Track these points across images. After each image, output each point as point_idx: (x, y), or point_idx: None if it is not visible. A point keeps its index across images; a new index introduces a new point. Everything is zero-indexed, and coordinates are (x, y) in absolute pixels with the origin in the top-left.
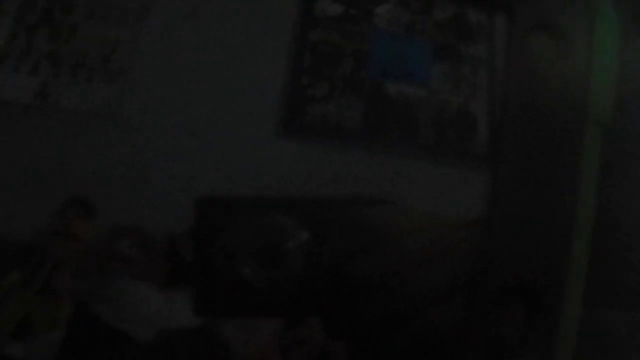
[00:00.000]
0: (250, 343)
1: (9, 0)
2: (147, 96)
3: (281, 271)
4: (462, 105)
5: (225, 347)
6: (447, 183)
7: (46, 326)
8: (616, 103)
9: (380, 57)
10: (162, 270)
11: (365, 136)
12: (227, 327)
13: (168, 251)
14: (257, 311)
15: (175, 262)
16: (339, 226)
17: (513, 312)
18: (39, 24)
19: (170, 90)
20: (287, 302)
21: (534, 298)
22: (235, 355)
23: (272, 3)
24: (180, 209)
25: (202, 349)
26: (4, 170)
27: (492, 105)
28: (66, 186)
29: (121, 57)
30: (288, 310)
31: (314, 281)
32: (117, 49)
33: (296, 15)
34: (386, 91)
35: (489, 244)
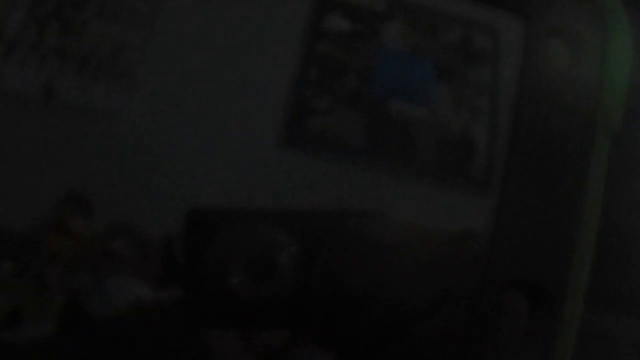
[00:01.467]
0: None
1: None
2: (151, 98)
3: (271, 283)
4: (462, 128)
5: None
6: (443, 204)
7: (36, 318)
8: (626, 111)
9: (384, 75)
10: (157, 272)
11: (364, 152)
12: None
13: (163, 253)
14: (246, 323)
15: (170, 264)
16: (329, 239)
17: (515, 305)
18: (49, 18)
19: (174, 93)
20: (277, 315)
21: (537, 293)
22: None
23: (281, 14)
24: (178, 211)
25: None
26: (3, 162)
27: (493, 131)
28: (65, 182)
29: (128, 58)
30: (279, 323)
31: (305, 294)
32: (124, 49)
33: (304, 27)
34: (388, 109)
35: (495, 238)
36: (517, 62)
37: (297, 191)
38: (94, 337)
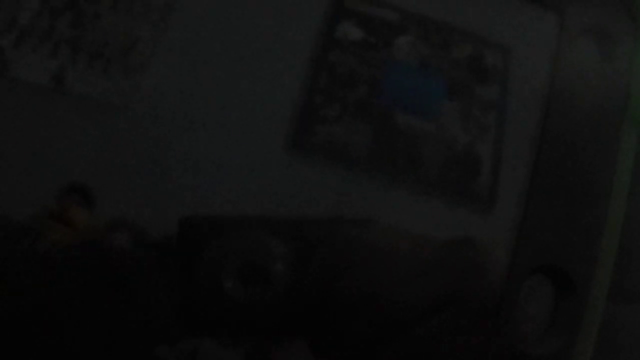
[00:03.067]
0: None
1: None
2: (161, 95)
3: (264, 288)
4: (468, 145)
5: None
6: (445, 219)
7: None
8: None
9: (393, 87)
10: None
11: (370, 162)
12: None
13: (163, 250)
14: (240, 327)
15: (168, 263)
16: (322, 246)
17: (542, 291)
18: (63, 9)
19: (183, 91)
20: (270, 319)
21: (563, 279)
22: None
23: (294, 20)
24: (180, 210)
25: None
26: (10, 149)
27: (498, 149)
28: (69, 172)
29: (140, 52)
30: (272, 328)
31: (298, 300)
32: (137, 44)
33: (317, 34)
34: (395, 121)
35: (524, 224)
36: (526, 81)
37: (301, 197)
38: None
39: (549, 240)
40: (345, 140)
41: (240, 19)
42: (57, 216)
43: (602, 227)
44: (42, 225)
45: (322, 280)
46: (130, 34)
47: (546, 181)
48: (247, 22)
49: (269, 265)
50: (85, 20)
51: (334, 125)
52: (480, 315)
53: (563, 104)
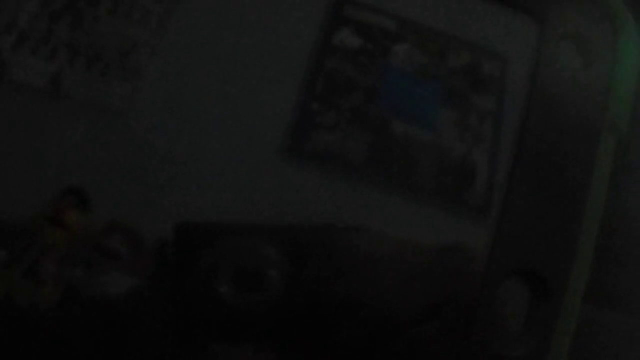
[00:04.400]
0: None
1: None
2: (158, 100)
3: (259, 294)
4: (464, 153)
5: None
6: (440, 227)
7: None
8: (633, 112)
9: (390, 94)
10: (150, 271)
11: (366, 169)
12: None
13: (158, 253)
14: (235, 332)
15: (163, 265)
16: (316, 252)
17: (517, 294)
18: (62, 12)
19: (181, 96)
20: (265, 324)
21: (538, 283)
22: None
23: (292, 26)
24: (175, 214)
25: None
26: (6, 151)
27: (495, 159)
28: (66, 175)
29: (138, 57)
30: (266, 332)
31: (292, 305)
32: (135, 48)
33: (314, 41)
34: (391, 129)
35: (500, 227)
36: (523, 90)
37: (296, 203)
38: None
39: (525, 244)
40: (341, 147)
41: (238, 26)
42: (52, 219)
43: (579, 231)
44: (37, 227)
45: (315, 286)
46: (128, 38)
47: (523, 185)
48: (244, 29)
49: (263, 271)
50: (84, 24)
51: (330, 132)
52: (469, 319)
53: (543, 109)
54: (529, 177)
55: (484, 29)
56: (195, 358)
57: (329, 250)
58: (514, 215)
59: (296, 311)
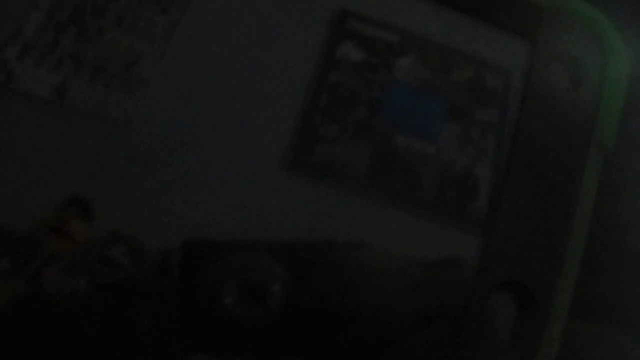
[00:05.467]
0: None
1: None
2: (161, 111)
3: (263, 307)
4: (466, 167)
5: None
6: (441, 241)
7: None
8: (619, 129)
9: (394, 108)
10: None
11: (368, 183)
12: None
13: (160, 265)
14: (238, 343)
15: (165, 277)
16: (317, 267)
17: (504, 306)
18: (68, 22)
19: (185, 108)
20: (268, 335)
21: (525, 295)
22: None
23: (296, 39)
24: (178, 225)
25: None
26: (10, 160)
27: (496, 171)
28: (69, 185)
29: (142, 68)
30: (269, 343)
31: (294, 318)
32: (139, 60)
33: (318, 54)
34: (394, 142)
35: (489, 240)
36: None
37: (298, 216)
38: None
39: (513, 256)
40: (344, 160)
41: (242, 38)
42: (56, 228)
43: (566, 244)
44: (40, 237)
45: (316, 300)
46: (133, 50)
47: (512, 199)
48: (248, 41)
49: (267, 286)
50: (89, 35)
51: (333, 145)
52: (459, 328)
53: (532, 127)
54: (517, 191)
55: (488, 43)
56: None
57: (329, 266)
58: (503, 228)
59: (297, 323)
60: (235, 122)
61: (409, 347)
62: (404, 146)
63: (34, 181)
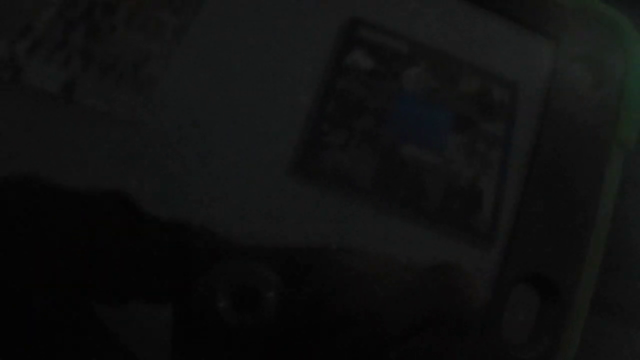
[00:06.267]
0: None
1: None
2: (169, 112)
3: (256, 312)
4: (471, 179)
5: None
6: (445, 251)
7: None
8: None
9: (401, 117)
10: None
11: (373, 191)
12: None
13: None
14: (231, 348)
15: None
16: (313, 273)
17: (527, 299)
18: (79, 19)
19: (192, 110)
20: (261, 340)
21: (548, 289)
22: None
23: (305, 45)
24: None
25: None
26: (16, 155)
27: (501, 184)
28: (75, 183)
29: (152, 68)
30: (263, 348)
31: (287, 324)
32: (149, 60)
33: (327, 61)
34: (401, 152)
35: (514, 234)
36: (532, 117)
37: (303, 222)
38: None
39: (536, 250)
40: (350, 168)
41: (251, 43)
42: None
43: (589, 240)
44: None
45: (310, 306)
46: (142, 49)
47: (536, 195)
48: (257, 46)
49: (260, 292)
50: (99, 33)
51: (339, 153)
52: (458, 334)
53: (555, 126)
54: (541, 188)
55: (497, 51)
56: None
57: (323, 272)
58: (527, 223)
59: (291, 329)
60: (241, 126)
61: (405, 353)
62: (410, 156)
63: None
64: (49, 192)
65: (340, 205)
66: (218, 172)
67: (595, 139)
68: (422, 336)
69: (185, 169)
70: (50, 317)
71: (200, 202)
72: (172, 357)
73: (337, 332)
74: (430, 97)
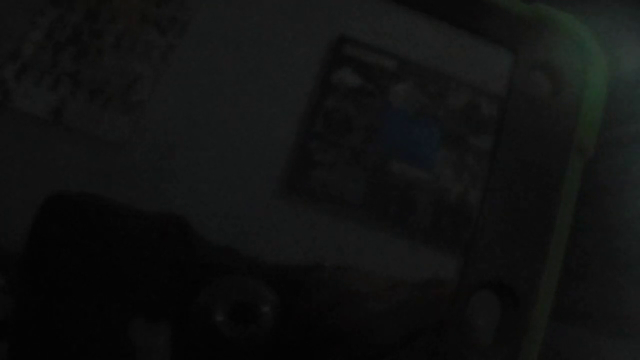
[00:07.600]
0: None
1: (43, 15)
2: (158, 134)
3: (253, 326)
4: (461, 194)
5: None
6: (436, 267)
7: None
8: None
9: (389, 134)
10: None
11: (363, 209)
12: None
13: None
14: None
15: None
16: (306, 289)
17: (488, 306)
18: (67, 43)
19: (180, 131)
20: (258, 354)
21: (508, 295)
22: None
23: (292, 65)
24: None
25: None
26: (5, 178)
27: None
28: None
29: (140, 91)
30: None
31: (283, 338)
32: (137, 82)
33: (314, 79)
34: (390, 169)
35: (473, 241)
36: (521, 130)
37: (292, 241)
38: None
39: (495, 257)
40: (339, 185)
41: (239, 63)
42: None
43: (548, 247)
44: None
45: (304, 321)
46: (131, 71)
47: (495, 202)
48: (245, 66)
49: (257, 307)
50: (87, 56)
51: (328, 171)
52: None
53: (514, 132)
54: (500, 194)
55: (483, 69)
56: None
57: (317, 288)
58: (486, 229)
59: (287, 343)
60: (230, 146)
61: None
62: (399, 172)
63: (29, 200)
64: (113, 210)
65: (332, 223)
66: (206, 193)
67: (554, 146)
68: (409, 347)
69: (176, 190)
70: (90, 325)
71: (190, 221)
72: None
73: (330, 345)
74: (418, 113)
